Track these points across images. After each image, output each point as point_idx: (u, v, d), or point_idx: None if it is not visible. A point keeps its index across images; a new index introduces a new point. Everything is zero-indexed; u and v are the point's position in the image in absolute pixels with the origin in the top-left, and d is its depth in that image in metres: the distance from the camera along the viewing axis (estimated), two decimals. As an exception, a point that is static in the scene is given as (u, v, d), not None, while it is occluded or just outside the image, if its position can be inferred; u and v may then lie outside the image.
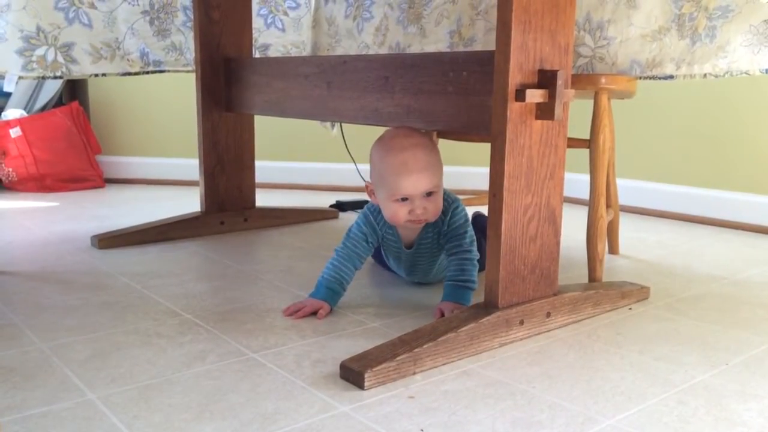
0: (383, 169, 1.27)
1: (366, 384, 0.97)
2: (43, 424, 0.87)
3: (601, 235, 1.48)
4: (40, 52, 1.93)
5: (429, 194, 1.27)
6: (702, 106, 2.19)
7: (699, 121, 2.20)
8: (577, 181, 2.11)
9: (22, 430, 0.85)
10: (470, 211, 1.66)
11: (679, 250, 1.87)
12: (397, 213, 1.28)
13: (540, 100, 1.09)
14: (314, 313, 1.27)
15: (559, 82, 1.09)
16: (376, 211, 1.36)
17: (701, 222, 2.21)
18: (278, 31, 2.18)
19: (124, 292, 1.41)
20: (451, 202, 1.34)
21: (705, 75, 1.45)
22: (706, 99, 2.17)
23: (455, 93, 1.24)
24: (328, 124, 2.36)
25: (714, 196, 2.18)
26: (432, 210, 1.28)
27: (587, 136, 1.49)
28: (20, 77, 1.94)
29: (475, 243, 1.34)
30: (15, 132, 2.61)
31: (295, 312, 1.27)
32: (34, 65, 1.93)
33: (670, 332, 1.23)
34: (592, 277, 1.48)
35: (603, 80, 1.43)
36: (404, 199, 1.26)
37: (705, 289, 1.50)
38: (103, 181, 2.81)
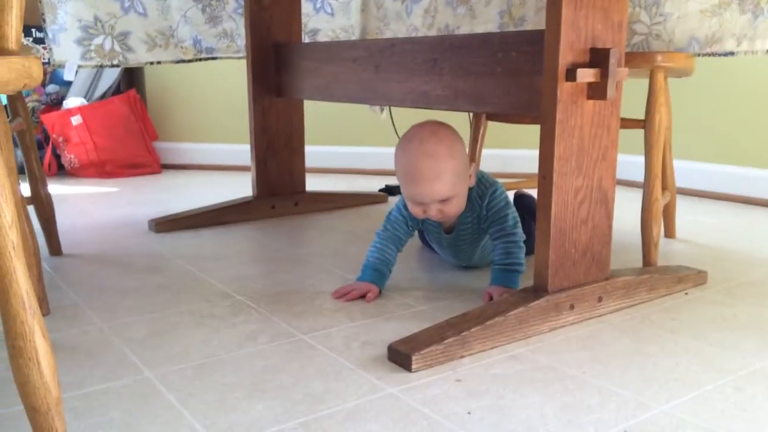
0: (397, 171, 1.28)
1: (413, 366, 0.98)
2: (103, 401, 0.90)
3: (656, 219, 1.44)
4: (98, 41, 1.98)
5: (443, 200, 1.25)
6: (763, 84, 2.09)
7: (759, 99, 2.11)
8: (631, 163, 2.05)
9: (83, 406, 0.89)
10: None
11: (738, 233, 1.80)
12: (414, 211, 1.29)
13: (592, 79, 1.06)
14: (362, 297, 1.28)
15: (612, 60, 1.06)
16: None
17: (762, 204, 2.12)
18: (327, 16, 2.18)
19: (179, 274, 1.45)
20: (488, 186, 1.33)
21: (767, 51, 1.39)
22: (767, 76, 2.08)
23: (504, 74, 1.22)
24: (377, 108, 2.36)
25: (778, 177, 2.09)
26: (449, 211, 1.27)
27: (642, 116, 1.44)
28: (79, 66, 2.00)
29: (519, 224, 1.33)
30: (76, 120, 2.70)
31: (344, 295, 1.29)
32: (93, 54, 1.99)
33: (727, 318, 1.19)
34: (647, 261, 1.44)
35: (659, 58, 1.38)
36: (419, 202, 1.27)
37: (765, 274, 1.44)
38: (159, 166, 2.88)
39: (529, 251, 1.33)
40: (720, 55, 1.45)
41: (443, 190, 1.23)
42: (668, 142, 1.62)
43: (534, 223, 1.45)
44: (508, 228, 1.31)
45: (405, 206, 1.37)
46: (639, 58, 1.39)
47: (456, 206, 1.28)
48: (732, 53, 1.43)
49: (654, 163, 1.43)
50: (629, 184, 2.29)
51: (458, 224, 1.37)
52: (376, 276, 1.31)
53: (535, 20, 1.85)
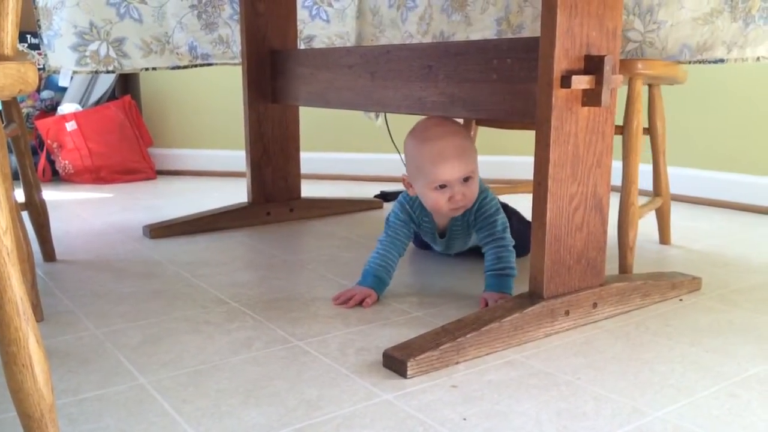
0: (420, 159, 1.30)
1: (409, 372, 0.98)
2: (97, 407, 0.90)
3: (632, 223, 1.44)
4: (93, 47, 1.98)
5: (466, 180, 1.29)
6: (757, 92, 2.11)
7: (754, 107, 2.12)
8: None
9: (77, 413, 0.88)
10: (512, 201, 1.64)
11: (733, 239, 1.81)
12: (437, 201, 1.30)
13: (586, 86, 1.07)
14: (360, 303, 1.28)
15: (607, 67, 1.06)
16: (412, 200, 1.40)
17: (756, 211, 2.13)
18: (323, 23, 2.19)
19: (174, 280, 1.44)
20: (479, 192, 1.35)
21: (758, 58, 1.40)
22: (761, 84, 2.09)
23: (500, 81, 1.22)
24: (373, 114, 2.37)
25: (771, 184, 2.10)
26: (470, 195, 1.31)
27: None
28: (74, 72, 2.00)
29: (508, 229, 1.35)
30: (71, 126, 2.70)
31: (345, 301, 1.28)
32: (88, 60, 1.99)
33: (722, 324, 1.20)
34: (622, 265, 1.44)
35: (639, 65, 1.39)
36: (443, 187, 1.29)
37: (760, 280, 1.45)
38: (154, 172, 2.88)
39: (519, 253, 1.35)
40: (710, 62, 1.46)
41: (470, 164, 1.29)
42: (663, 149, 1.63)
43: (522, 225, 1.49)
44: (497, 233, 1.33)
45: (402, 210, 1.39)
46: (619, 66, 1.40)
47: (475, 188, 1.31)
48: (722, 60, 1.44)
49: (631, 168, 1.44)
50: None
51: (450, 228, 1.41)
52: (376, 282, 1.31)
53: (532, 28, 1.86)
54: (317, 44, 2.21)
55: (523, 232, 1.52)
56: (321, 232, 1.90)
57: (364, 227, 1.95)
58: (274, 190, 2.01)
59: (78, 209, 2.22)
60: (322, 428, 0.84)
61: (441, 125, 1.32)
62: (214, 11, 2.09)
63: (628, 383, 0.97)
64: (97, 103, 2.86)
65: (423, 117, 1.45)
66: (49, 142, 2.72)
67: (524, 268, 1.25)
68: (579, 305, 1.17)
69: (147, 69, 2.08)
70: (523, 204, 1.63)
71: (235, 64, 2.14)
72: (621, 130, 1.44)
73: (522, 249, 1.40)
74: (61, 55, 1.98)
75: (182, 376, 0.99)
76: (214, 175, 2.92)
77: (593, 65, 1.07)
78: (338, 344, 1.10)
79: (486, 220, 1.35)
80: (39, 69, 2.17)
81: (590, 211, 1.16)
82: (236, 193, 2.33)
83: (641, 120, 1.43)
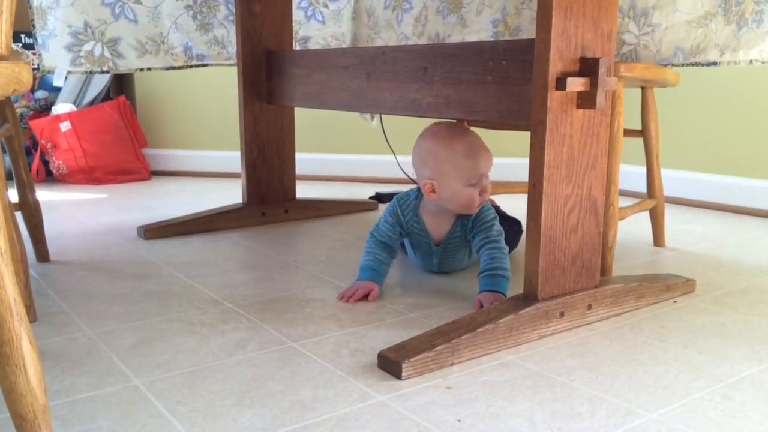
0: (454, 156, 1.31)
1: (403, 374, 0.98)
2: (90, 409, 0.89)
3: (612, 223, 1.44)
4: (87, 47, 1.97)
5: (487, 175, 1.35)
6: (752, 95, 2.12)
7: (748, 110, 2.13)
8: (624, 173, 2.06)
9: (70, 414, 0.88)
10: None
11: (727, 242, 1.82)
12: (472, 196, 1.32)
13: (581, 88, 1.07)
14: (365, 297, 1.30)
15: (602, 70, 1.06)
16: (405, 206, 1.41)
17: (750, 213, 2.14)
18: (318, 24, 2.19)
19: (168, 281, 1.44)
20: None
21: (751, 61, 1.40)
22: (755, 87, 2.10)
23: (495, 82, 1.23)
24: (368, 115, 2.37)
25: (764, 186, 2.11)
26: (490, 188, 1.36)
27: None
28: (69, 72, 1.99)
29: (503, 236, 1.36)
30: (65, 126, 2.69)
31: (349, 297, 1.30)
32: (82, 60, 1.98)
33: (716, 326, 1.20)
34: (602, 265, 1.43)
35: (621, 69, 1.38)
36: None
37: (754, 282, 1.46)
38: (149, 173, 2.87)
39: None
40: (703, 65, 1.47)
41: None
42: (657, 152, 1.64)
43: (505, 224, 1.50)
44: (492, 236, 1.35)
45: (392, 214, 1.41)
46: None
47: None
48: (715, 63, 1.45)
49: (611, 169, 1.43)
50: (622, 193, 2.30)
51: (448, 236, 1.41)
52: (375, 275, 1.33)
53: (530, 30, 1.86)
54: (313, 45, 2.21)
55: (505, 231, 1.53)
56: (316, 233, 1.90)
57: (359, 228, 1.95)
58: (269, 191, 2.01)
59: (72, 210, 2.22)
60: (316, 429, 0.84)
61: (454, 125, 1.35)
62: (209, 12, 2.09)
63: (622, 385, 0.97)
64: (92, 103, 2.85)
65: (418, 118, 1.45)
66: (43, 142, 2.71)
67: (518, 270, 1.25)
68: (574, 307, 1.17)
69: (142, 69, 2.07)
70: (515, 205, 1.64)
71: (230, 65, 2.14)
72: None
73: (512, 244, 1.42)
74: (55, 55, 1.97)
75: (176, 378, 0.98)
76: (209, 175, 2.91)
77: (588, 67, 1.07)
78: (333, 345, 1.10)
79: (482, 226, 1.36)
80: (33, 69, 2.16)
81: (585, 213, 1.16)
82: (231, 194, 2.32)
83: (622, 122, 1.43)
